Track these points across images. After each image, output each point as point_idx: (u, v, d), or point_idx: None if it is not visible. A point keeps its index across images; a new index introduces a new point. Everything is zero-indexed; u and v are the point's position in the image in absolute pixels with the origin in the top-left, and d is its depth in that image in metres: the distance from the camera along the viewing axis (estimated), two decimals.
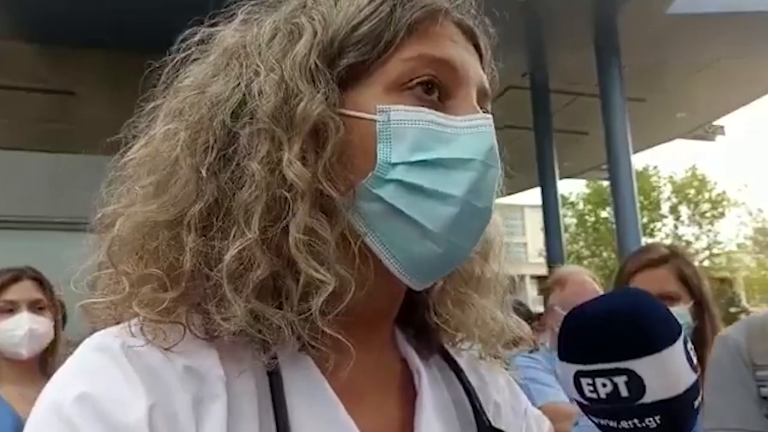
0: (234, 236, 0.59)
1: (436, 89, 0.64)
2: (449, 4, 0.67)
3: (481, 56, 0.70)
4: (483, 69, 0.70)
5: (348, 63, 0.63)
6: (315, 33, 0.64)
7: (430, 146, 0.62)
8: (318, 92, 0.61)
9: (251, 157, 0.61)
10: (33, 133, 8.56)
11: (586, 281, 2.80)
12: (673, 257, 2.09)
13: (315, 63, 0.63)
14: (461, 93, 0.65)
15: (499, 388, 0.78)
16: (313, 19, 0.65)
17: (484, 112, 0.66)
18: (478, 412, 0.71)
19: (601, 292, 2.84)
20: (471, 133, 0.63)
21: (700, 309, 2.00)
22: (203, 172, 0.61)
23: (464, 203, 0.61)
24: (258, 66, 0.64)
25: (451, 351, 0.76)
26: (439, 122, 0.63)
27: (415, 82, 0.63)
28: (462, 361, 0.76)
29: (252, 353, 0.61)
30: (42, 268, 2.37)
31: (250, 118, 0.62)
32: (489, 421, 0.71)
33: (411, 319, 0.75)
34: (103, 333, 0.61)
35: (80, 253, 0.66)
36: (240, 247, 0.58)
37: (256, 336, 0.59)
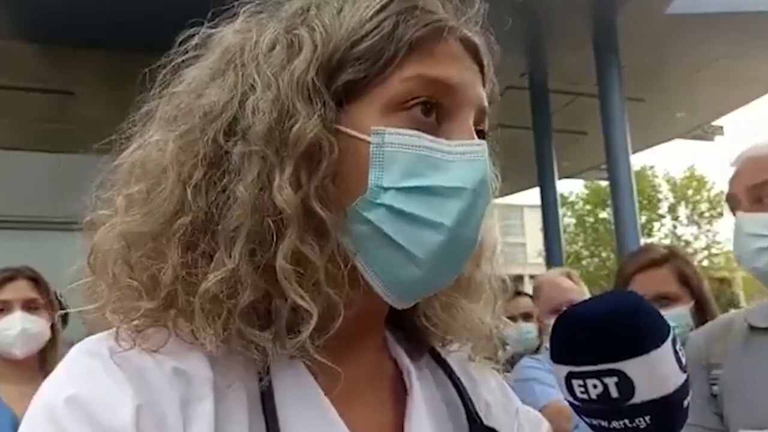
0: (216, 262, 0.60)
1: (433, 110, 0.64)
2: (454, 21, 0.66)
3: (483, 73, 0.69)
4: (484, 85, 0.69)
5: (346, 79, 0.63)
6: (315, 47, 0.63)
7: (422, 172, 0.61)
8: (314, 112, 0.61)
9: (240, 180, 0.60)
10: (33, 133, 8.56)
11: (559, 283, 2.83)
12: (673, 257, 2.08)
13: (312, 80, 0.62)
14: (459, 115, 0.65)
15: (489, 388, 0.79)
16: (314, 31, 0.64)
17: (480, 131, 0.67)
18: (470, 411, 0.71)
19: (581, 288, 2.87)
20: (464, 160, 0.62)
21: (700, 309, 2.01)
22: (189, 188, 0.61)
23: (452, 232, 0.61)
24: (254, 80, 0.63)
25: (441, 352, 0.76)
26: (432, 147, 0.62)
27: (412, 103, 0.63)
28: (452, 362, 0.76)
29: (244, 362, 0.61)
30: (42, 268, 2.37)
31: (243, 137, 0.61)
32: (481, 419, 0.71)
33: (401, 322, 0.75)
34: (93, 337, 0.62)
35: (77, 254, 0.67)
36: (218, 277, 0.59)
37: (243, 352, 0.60)
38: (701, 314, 1.98)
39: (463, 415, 0.72)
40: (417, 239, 0.61)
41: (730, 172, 1.58)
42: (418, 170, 0.61)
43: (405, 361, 0.73)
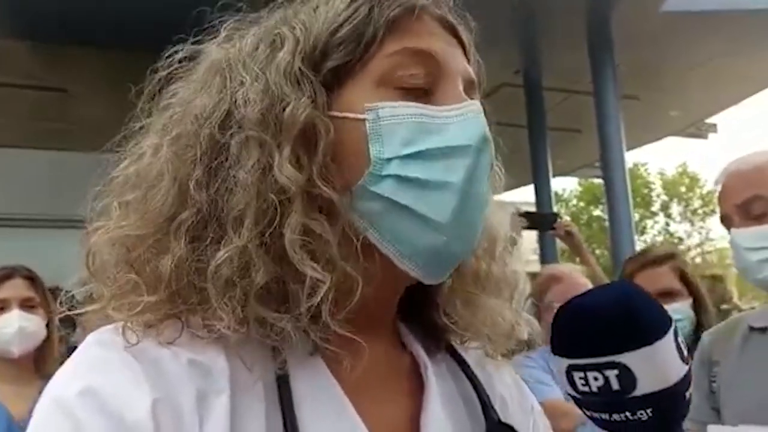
0: (224, 244, 0.60)
1: (422, 81, 0.65)
2: (426, 0, 0.68)
3: (464, 49, 0.70)
4: (468, 61, 0.70)
5: (332, 65, 0.64)
6: (297, 40, 0.65)
7: (422, 138, 0.62)
8: (304, 96, 0.62)
9: (240, 166, 0.61)
10: (29, 131, 8.52)
11: (581, 279, 2.82)
12: (673, 257, 2.26)
13: (299, 68, 0.63)
14: (447, 84, 0.66)
15: (505, 385, 0.79)
16: (294, 28, 0.66)
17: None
18: (487, 407, 0.71)
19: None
20: (461, 120, 0.63)
21: (697, 305, 2.18)
22: (191, 184, 0.61)
23: (462, 190, 0.62)
24: (243, 77, 0.65)
25: (459, 348, 0.76)
26: (428, 114, 0.63)
27: (400, 75, 0.64)
28: (468, 358, 0.76)
29: (261, 354, 0.61)
30: (39, 266, 2.37)
31: (238, 128, 0.62)
32: (497, 415, 0.71)
33: (419, 319, 0.75)
34: (107, 328, 0.62)
35: (75, 252, 0.67)
36: (228, 254, 0.59)
37: (264, 341, 0.60)
38: (698, 310, 2.16)
39: (479, 411, 0.72)
40: (430, 203, 0.62)
41: (717, 189, 1.61)
42: (418, 137, 0.62)
43: (422, 355, 0.73)
